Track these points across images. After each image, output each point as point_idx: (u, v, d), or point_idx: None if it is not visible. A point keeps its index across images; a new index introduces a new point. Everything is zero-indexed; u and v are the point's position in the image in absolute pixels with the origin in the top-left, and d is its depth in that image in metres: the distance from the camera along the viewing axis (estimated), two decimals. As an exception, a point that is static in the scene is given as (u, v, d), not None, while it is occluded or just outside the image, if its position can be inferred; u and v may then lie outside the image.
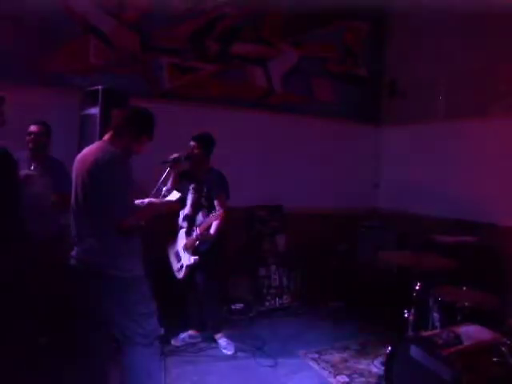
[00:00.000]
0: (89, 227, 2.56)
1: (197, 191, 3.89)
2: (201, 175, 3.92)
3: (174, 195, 2.95)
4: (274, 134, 5.30)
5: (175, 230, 3.97)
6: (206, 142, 3.86)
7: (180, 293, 4.02)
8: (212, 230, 3.76)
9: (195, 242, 3.78)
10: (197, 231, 3.75)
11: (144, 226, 2.71)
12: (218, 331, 4.01)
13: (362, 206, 5.75)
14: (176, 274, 3.89)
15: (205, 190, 3.87)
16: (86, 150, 2.67)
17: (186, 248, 3.83)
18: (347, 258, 5.22)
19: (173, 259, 3.94)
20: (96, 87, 3.90)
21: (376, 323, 4.29)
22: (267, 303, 4.93)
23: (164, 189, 3.14)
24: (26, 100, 3.90)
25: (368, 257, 4.97)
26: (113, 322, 2.58)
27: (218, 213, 3.67)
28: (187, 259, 3.80)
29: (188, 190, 3.89)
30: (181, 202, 3.55)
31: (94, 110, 3.87)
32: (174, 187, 3.58)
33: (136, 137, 2.65)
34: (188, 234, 3.86)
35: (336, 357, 3.84)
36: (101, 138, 3.52)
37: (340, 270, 5.13)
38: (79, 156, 2.68)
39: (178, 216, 3.96)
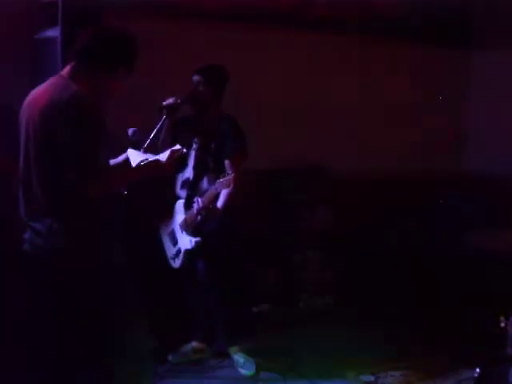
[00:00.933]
0: (43, 200, 2.56)
1: (201, 147, 3.87)
2: (207, 124, 3.88)
3: (166, 153, 2.92)
4: (311, 65, 5.27)
5: (170, 201, 3.99)
6: (215, 76, 3.89)
7: (178, 290, 4.06)
8: (220, 203, 3.77)
9: (196, 218, 3.79)
10: (199, 203, 3.73)
11: (124, 196, 2.69)
12: (233, 343, 4.02)
13: (439, 167, 5.69)
14: (171, 262, 3.93)
15: (212, 146, 3.88)
16: (36, 91, 2.67)
17: (184, 226, 3.84)
18: (417, 241, 5.22)
19: (167, 242, 3.97)
20: (53, -2, 3.83)
21: (456, 334, 4.29)
22: (302, 304, 4.96)
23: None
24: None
25: (447, 239, 4.95)
26: (74, 330, 2.59)
27: (228, 177, 3.63)
28: (186, 242, 3.82)
29: (189, 145, 3.87)
30: (179, 164, 3.54)
31: (53, 32, 3.82)
32: (169, 142, 3.58)
33: (108, 69, 2.63)
34: (188, 206, 3.87)
35: (401, 381, 3.85)
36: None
37: (406, 257, 5.14)
38: (27, 100, 2.69)
39: (174, 181, 3.94)
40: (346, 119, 5.38)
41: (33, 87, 3.55)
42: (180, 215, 3.90)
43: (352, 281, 5.19)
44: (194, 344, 4.10)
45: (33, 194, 2.59)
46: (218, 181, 3.69)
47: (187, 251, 3.81)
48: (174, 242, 3.91)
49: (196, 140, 3.93)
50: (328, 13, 5.24)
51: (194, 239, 3.79)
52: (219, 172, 3.82)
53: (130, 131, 3.10)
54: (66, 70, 2.65)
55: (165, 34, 4.50)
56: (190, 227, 3.82)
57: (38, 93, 2.63)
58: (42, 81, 3.44)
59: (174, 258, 3.90)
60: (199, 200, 3.76)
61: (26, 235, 2.66)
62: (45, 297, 2.70)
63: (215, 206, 3.75)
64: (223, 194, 3.75)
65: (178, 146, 2.93)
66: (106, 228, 2.65)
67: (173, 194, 4.00)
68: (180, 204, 3.92)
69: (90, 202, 2.53)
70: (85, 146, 2.49)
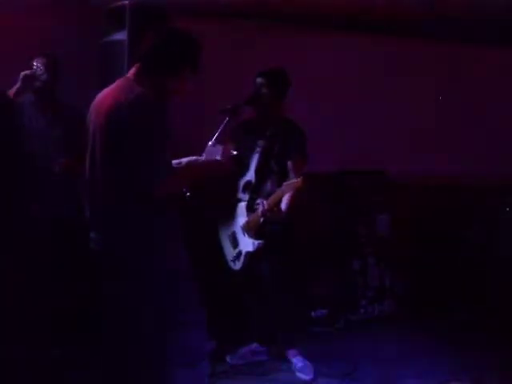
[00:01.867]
0: (111, 202, 2.57)
1: (265, 150, 3.88)
2: (270, 127, 3.91)
3: (217, 151, 2.93)
4: (374, 68, 5.26)
5: (231, 203, 4.00)
6: (278, 79, 3.89)
7: (238, 292, 4.08)
8: (284, 205, 3.75)
9: (259, 220, 3.79)
10: (263, 205, 3.74)
11: (186, 196, 2.71)
12: (292, 346, 4.02)
13: (507, 173, 5.51)
14: (231, 264, 3.94)
15: (276, 149, 3.88)
16: (102, 93, 2.69)
17: (246, 228, 3.86)
18: (481, 249, 5.16)
19: (227, 244, 3.99)
20: (121, 2, 3.93)
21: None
22: (362, 310, 4.95)
23: (209, 144, 3.12)
24: (24, 23, 4.02)
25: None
26: (138, 334, 2.61)
27: (293, 181, 3.64)
28: (248, 244, 3.82)
29: (252, 148, 3.91)
30: (237, 163, 3.55)
31: (121, 36, 3.91)
32: (230, 144, 3.60)
33: (172, 70, 2.63)
34: (250, 209, 3.88)
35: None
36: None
37: (470, 266, 5.08)
38: (95, 102, 2.69)
39: (236, 184, 3.97)
40: (406, 128, 5.32)
41: (101, 89, 3.65)
42: (242, 218, 3.89)
43: (413, 287, 5.12)
44: (254, 346, 4.10)
45: (98, 194, 2.60)
46: (284, 183, 3.70)
47: (249, 253, 3.80)
48: (235, 244, 3.90)
49: (259, 143, 3.92)
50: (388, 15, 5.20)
51: (256, 242, 3.77)
52: (282, 175, 3.83)
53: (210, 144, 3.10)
54: (132, 71, 2.66)
55: (229, 36, 4.54)
56: (252, 229, 3.82)
57: (104, 95, 2.65)
58: (110, 83, 3.53)
59: (234, 260, 3.90)
60: (264, 202, 3.75)
61: (92, 234, 2.69)
62: (104, 296, 2.72)
63: (280, 209, 3.74)
64: (286, 197, 3.73)
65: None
66: (169, 228, 2.63)
67: (234, 197, 4.01)
68: (242, 206, 3.91)
69: (154, 203, 2.52)
70: (155, 146, 2.49)
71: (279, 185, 3.78)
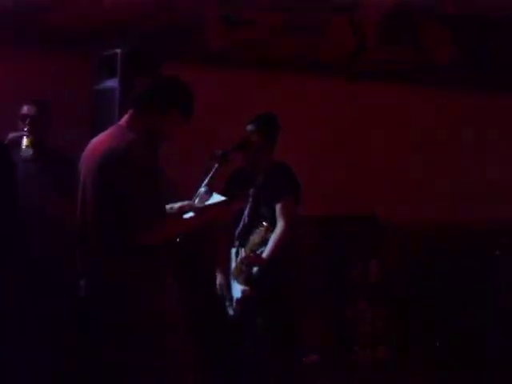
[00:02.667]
0: (98, 249, 2.58)
1: (255, 197, 3.88)
2: (260, 174, 3.91)
3: (215, 198, 2.94)
4: (363, 113, 5.26)
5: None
6: (268, 126, 3.88)
7: (230, 340, 4.03)
8: (266, 251, 3.71)
9: (241, 267, 3.79)
10: (241, 252, 3.76)
11: (179, 244, 2.71)
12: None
13: (497, 216, 5.53)
14: (228, 309, 3.91)
15: (264, 195, 3.86)
16: (95, 140, 2.72)
17: (235, 275, 3.86)
18: (474, 294, 5.12)
19: (224, 289, 3.95)
20: (113, 51, 3.95)
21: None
22: (354, 356, 4.88)
23: (201, 190, 3.10)
24: (13, 70, 4.05)
25: (507, 292, 4.91)
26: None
27: (264, 226, 3.69)
28: (237, 290, 3.82)
29: (247, 198, 3.88)
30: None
31: (112, 83, 3.94)
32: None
33: (162, 112, 2.66)
34: (237, 255, 3.87)
35: None
36: (120, 119, 3.63)
37: (462, 311, 5.05)
38: (87, 148, 2.72)
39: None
40: (395, 172, 5.35)
41: (92, 136, 3.66)
42: (232, 263, 3.89)
43: (407, 333, 5.08)
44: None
45: (86, 241, 2.61)
46: (256, 230, 3.73)
47: (237, 300, 3.79)
48: (229, 289, 3.89)
49: (251, 192, 3.88)
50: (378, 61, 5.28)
51: (241, 288, 3.76)
52: (273, 219, 3.80)
53: (203, 190, 3.08)
54: (124, 119, 2.70)
55: (217, 84, 4.58)
56: (239, 276, 3.81)
57: (97, 142, 2.68)
58: (101, 130, 3.54)
59: (229, 306, 3.87)
60: (242, 249, 3.77)
61: (82, 282, 2.67)
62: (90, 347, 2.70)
63: (257, 255, 3.71)
64: (270, 242, 3.71)
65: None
66: (158, 274, 2.63)
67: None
68: (232, 253, 3.90)
69: (142, 249, 2.52)
70: (147, 194, 2.50)
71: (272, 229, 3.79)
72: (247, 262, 3.75)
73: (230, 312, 3.86)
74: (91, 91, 4.13)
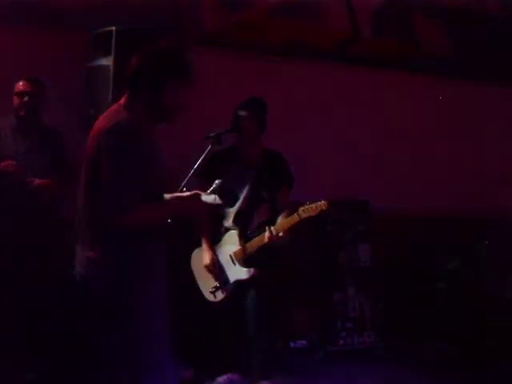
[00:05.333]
0: (85, 229, 2.56)
1: (255, 181, 3.91)
2: (258, 159, 3.95)
3: (210, 197, 2.82)
4: (359, 99, 5.28)
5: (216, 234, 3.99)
6: (261, 111, 3.89)
7: (215, 322, 4.03)
8: (283, 233, 3.75)
9: (257, 247, 3.80)
10: (271, 231, 3.72)
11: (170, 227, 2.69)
12: (266, 377, 3.94)
13: (484, 206, 5.58)
14: (208, 295, 3.89)
15: (266, 181, 3.91)
16: (98, 119, 2.66)
17: (238, 257, 3.85)
18: (460, 281, 5.15)
19: (204, 276, 3.94)
20: (108, 28, 3.94)
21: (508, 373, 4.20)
22: (341, 342, 4.90)
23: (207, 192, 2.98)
24: (10, 46, 4.02)
25: (492, 281, 4.95)
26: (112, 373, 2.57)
27: (315, 204, 3.65)
28: (239, 272, 3.82)
29: (241, 178, 3.92)
30: (231, 197, 3.55)
31: (106, 61, 3.91)
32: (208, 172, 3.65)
33: (155, 85, 2.52)
34: (242, 237, 3.87)
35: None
36: (114, 98, 3.61)
37: (449, 297, 5.08)
38: (92, 131, 2.64)
39: (218, 214, 3.97)
40: (388, 161, 5.38)
41: (86, 114, 3.65)
42: (232, 246, 3.87)
43: (394, 319, 5.11)
44: (230, 374, 4.06)
45: (80, 220, 2.59)
46: (301, 207, 3.69)
47: (238, 281, 3.80)
48: (219, 273, 3.86)
49: (248, 174, 3.92)
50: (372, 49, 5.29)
51: (251, 269, 3.77)
52: (272, 203, 3.88)
53: (218, 182, 2.96)
54: (123, 97, 2.62)
55: (214, 66, 4.58)
56: (242, 259, 3.81)
57: (97, 122, 2.62)
58: (94, 108, 3.53)
59: (214, 292, 3.85)
60: (272, 228, 3.73)
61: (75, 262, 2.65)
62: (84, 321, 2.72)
63: (286, 234, 3.74)
64: (286, 224, 3.73)
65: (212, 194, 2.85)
66: (146, 259, 2.57)
67: (218, 227, 3.99)
68: (233, 235, 3.89)
69: (129, 233, 2.47)
70: (123, 176, 2.43)
71: (272, 212, 3.83)
72: (279, 241, 3.75)
73: (218, 297, 3.85)
74: (85, 69, 4.12)
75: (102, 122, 2.56)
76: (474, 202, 5.54)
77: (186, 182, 3.39)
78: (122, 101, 2.60)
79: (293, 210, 3.72)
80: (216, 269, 3.89)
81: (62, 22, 4.27)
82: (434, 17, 5.53)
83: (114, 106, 2.63)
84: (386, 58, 5.35)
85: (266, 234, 3.73)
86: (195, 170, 3.56)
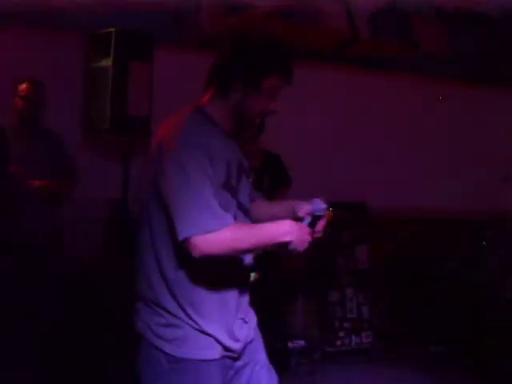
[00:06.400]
0: (144, 259, 2.10)
1: (254, 182, 3.88)
2: (252, 160, 3.90)
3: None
4: (357, 100, 5.27)
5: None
6: None
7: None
8: None
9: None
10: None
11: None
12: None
13: (484, 207, 5.58)
14: None
15: (266, 183, 3.94)
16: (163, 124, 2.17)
17: None
18: (459, 281, 5.15)
19: None
20: (107, 29, 3.93)
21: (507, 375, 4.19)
22: (339, 342, 4.91)
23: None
24: (10, 47, 4.04)
25: (491, 281, 4.92)
26: None
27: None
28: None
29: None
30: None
31: (105, 62, 3.91)
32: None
33: (253, 82, 2.00)
34: None
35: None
36: (113, 100, 3.63)
37: (448, 298, 5.08)
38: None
39: None
40: (386, 162, 5.39)
41: (85, 116, 3.65)
42: None
43: (391, 319, 5.11)
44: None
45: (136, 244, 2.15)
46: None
47: None
48: None
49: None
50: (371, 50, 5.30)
51: (253, 273, 3.69)
52: None
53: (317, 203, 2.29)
54: (205, 97, 2.13)
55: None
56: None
57: (161, 126, 2.13)
58: (93, 110, 3.51)
59: None
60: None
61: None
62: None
63: None
64: None
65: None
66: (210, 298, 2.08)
67: None
68: None
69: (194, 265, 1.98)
70: (191, 191, 1.92)
71: None
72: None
73: None
74: (85, 70, 4.11)
75: (164, 126, 2.09)
76: (474, 202, 5.54)
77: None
78: (202, 101, 2.12)
79: None
80: None
81: (62, 22, 4.27)
82: (432, 17, 5.53)
83: (186, 109, 2.12)
84: (386, 58, 5.35)
85: None
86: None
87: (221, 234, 1.91)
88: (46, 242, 3.88)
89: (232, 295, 2.11)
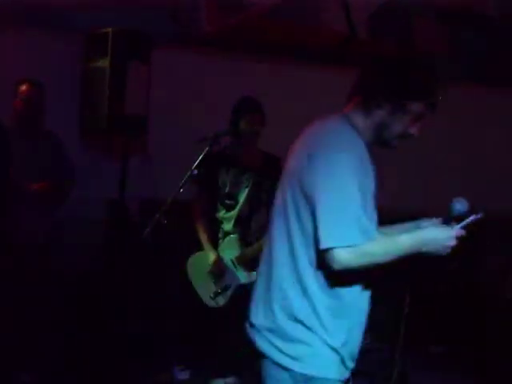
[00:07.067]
0: (276, 279, 2.07)
1: (255, 184, 3.89)
2: (256, 162, 3.91)
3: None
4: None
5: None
6: (263, 112, 3.83)
7: (214, 326, 4.01)
8: None
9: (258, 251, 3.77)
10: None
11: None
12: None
13: (485, 206, 5.53)
14: (209, 301, 3.86)
15: (267, 184, 3.85)
16: (308, 127, 2.22)
17: (240, 261, 3.83)
18: (460, 281, 5.17)
19: (204, 281, 3.90)
20: (104, 29, 3.94)
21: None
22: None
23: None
24: (10, 47, 4.09)
25: (492, 281, 4.98)
26: None
27: None
28: (242, 276, 3.80)
29: (239, 182, 3.90)
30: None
31: (103, 62, 3.92)
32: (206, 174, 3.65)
33: (401, 107, 2.04)
34: (244, 241, 3.86)
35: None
36: (110, 100, 3.63)
37: (449, 297, 5.09)
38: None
39: (212, 220, 3.96)
40: (381, 162, 5.35)
41: (82, 116, 3.64)
42: (232, 251, 3.86)
43: (391, 320, 5.10)
44: (227, 379, 4.05)
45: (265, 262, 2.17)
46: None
47: (239, 286, 3.77)
48: (219, 279, 3.84)
49: (247, 177, 3.88)
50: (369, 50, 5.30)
51: (253, 273, 3.69)
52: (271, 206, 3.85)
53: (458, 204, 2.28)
54: (349, 107, 2.15)
55: (213, 68, 4.60)
56: (243, 263, 3.80)
57: (307, 130, 2.21)
58: (90, 110, 3.50)
59: (215, 297, 3.82)
60: None
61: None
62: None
63: None
64: None
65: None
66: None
67: (216, 233, 3.97)
68: (233, 240, 3.87)
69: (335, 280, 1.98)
70: (342, 200, 1.93)
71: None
72: None
73: (220, 302, 3.81)
74: (83, 70, 4.11)
75: (310, 131, 2.16)
76: (473, 202, 5.53)
77: (183, 185, 3.39)
78: (346, 110, 2.14)
79: None
80: (221, 270, 3.84)
81: (59, 22, 4.29)
82: (432, 17, 5.54)
83: (333, 116, 2.15)
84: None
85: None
86: (192, 172, 3.52)
87: (363, 248, 1.91)
88: (46, 242, 3.90)
89: (365, 312, 2.13)
